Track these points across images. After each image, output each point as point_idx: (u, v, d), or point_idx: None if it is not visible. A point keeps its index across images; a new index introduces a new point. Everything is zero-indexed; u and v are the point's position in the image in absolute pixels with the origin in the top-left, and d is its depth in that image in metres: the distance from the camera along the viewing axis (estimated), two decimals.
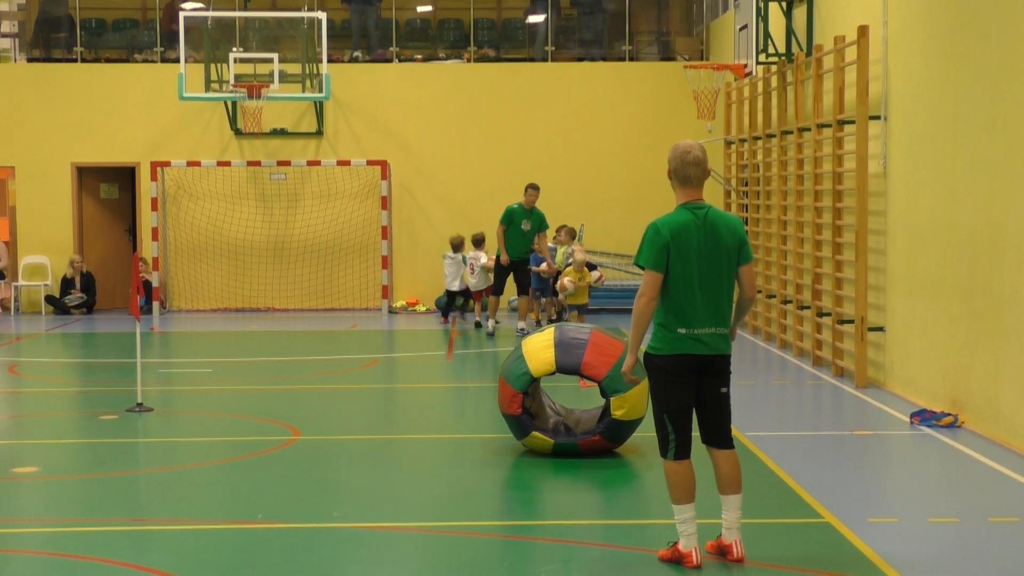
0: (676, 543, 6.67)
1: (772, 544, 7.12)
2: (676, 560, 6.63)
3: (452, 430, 11.13)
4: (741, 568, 6.67)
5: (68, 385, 14.01)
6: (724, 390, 6.74)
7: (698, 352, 6.61)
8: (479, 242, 18.51)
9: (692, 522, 6.60)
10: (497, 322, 17.42)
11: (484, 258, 18.30)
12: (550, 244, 18.10)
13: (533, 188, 17.00)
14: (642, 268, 6.63)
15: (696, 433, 6.76)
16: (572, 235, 18.42)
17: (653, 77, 21.45)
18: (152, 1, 22.20)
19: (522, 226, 16.84)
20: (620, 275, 20.28)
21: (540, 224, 17.08)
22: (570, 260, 17.06)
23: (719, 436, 6.76)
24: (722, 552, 6.76)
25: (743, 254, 6.73)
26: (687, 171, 6.68)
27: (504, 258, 16.84)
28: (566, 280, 16.32)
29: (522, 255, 17.02)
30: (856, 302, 12.87)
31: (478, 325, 18.27)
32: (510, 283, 17.14)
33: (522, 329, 17.00)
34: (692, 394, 6.68)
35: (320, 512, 7.99)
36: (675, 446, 6.64)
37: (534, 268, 17.88)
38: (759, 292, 16.91)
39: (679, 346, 6.60)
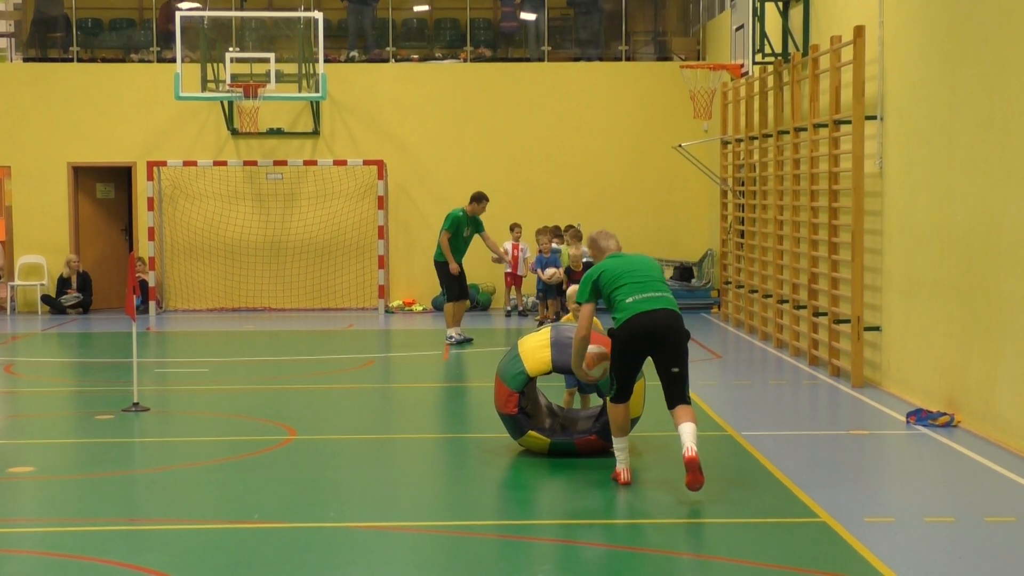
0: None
1: (768, 544, 7.13)
2: (615, 478, 8.46)
3: (448, 429, 11.12)
4: (737, 567, 6.68)
5: (64, 385, 13.99)
6: (675, 370, 8.19)
7: (646, 309, 8.14)
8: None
9: (625, 451, 8.47)
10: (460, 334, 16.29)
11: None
12: (554, 245, 18.19)
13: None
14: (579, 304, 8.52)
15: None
16: (579, 236, 17.33)
17: (649, 77, 21.46)
18: (148, 1, 22.18)
19: (464, 233, 16.13)
20: None
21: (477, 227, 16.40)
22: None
23: (674, 401, 8.23)
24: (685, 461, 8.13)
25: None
26: (607, 243, 8.66)
27: (454, 267, 15.99)
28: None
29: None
30: (852, 302, 12.87)
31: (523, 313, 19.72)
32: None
33: (456, 336, 16.19)
34: (639, 364, 8.41)
35: (316, 512, 7.98)
36: (615, 393, 8.41)
37: (539, 273, 18.02)
38: (755, 292, 16.95)
39: (631, 309, 8.18)
